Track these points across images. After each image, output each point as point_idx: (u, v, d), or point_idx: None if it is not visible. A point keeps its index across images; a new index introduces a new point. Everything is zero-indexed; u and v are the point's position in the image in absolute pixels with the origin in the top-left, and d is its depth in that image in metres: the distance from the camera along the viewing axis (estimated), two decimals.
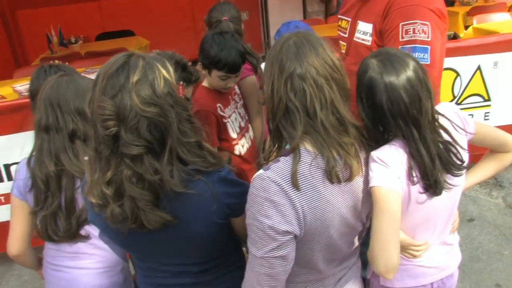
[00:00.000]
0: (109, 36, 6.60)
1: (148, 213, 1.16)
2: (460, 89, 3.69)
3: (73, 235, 1.64)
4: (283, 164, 1.20)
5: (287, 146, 1.25)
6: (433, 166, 1.35)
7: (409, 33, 1.79)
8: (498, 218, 3.50)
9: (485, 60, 3.65)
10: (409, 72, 1.33)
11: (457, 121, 1.47)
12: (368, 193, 1.32)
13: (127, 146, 1.12)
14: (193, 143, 1.21)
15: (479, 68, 3.66)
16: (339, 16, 2.29)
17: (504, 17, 5.70)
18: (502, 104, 3.79)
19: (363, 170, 1.31)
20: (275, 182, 1.16)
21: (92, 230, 1.65)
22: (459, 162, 1.41)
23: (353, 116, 1.28)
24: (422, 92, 1.34)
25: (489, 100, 3.78)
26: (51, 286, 1.75)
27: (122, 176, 1.14)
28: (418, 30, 1.78)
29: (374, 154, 1.33)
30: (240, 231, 1.36)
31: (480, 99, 3.77)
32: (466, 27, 5.88)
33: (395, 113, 1.34)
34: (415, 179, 1.36)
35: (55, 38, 5.61)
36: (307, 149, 1.21)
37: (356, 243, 1.41)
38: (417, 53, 1.76)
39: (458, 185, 1.46)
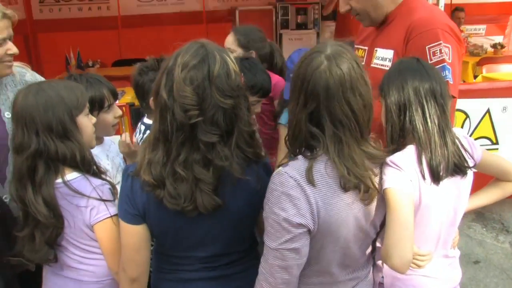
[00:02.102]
0: (125, 63, 6.73)
1: (204, 196, 1.23)
2: (469, 131, 3.74)
3: (47, 257, 1.53)
4: (301, 161, 1.25)
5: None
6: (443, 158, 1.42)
7: (436, 54, 1.87)
8: (504, 262, 3.45)
9: (494, 104, 3.72)
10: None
11: (465, 144, 1.52)
12: (381, 202, 1.34)
13: (206, 134, 1.21)
14: (250, 132, 1.30)
15: (488, 111, 3.73)
16: (355, 46, 2.37)
17: None
18: (509, 148, 3.82)
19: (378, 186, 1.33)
20: (292, 177, 1.21)
21: (63, 254, 1.56)
22: (465, 164, 1.46)
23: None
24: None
25: (497, 143, 3.82)
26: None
27: (191, 160, 1.22)
28: (444, 51, 1.86)
29: (388, 159, 1.38)
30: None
31: (488, 142, 3.81)
32: (475, 77, 6.00)
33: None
34: (426, 178, 1.40)
35: (73, 60, 5.76)
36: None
37: (368, 251, 1.42)
38: (446, 71, 1.84)
39: (463, 190, 1.50)
